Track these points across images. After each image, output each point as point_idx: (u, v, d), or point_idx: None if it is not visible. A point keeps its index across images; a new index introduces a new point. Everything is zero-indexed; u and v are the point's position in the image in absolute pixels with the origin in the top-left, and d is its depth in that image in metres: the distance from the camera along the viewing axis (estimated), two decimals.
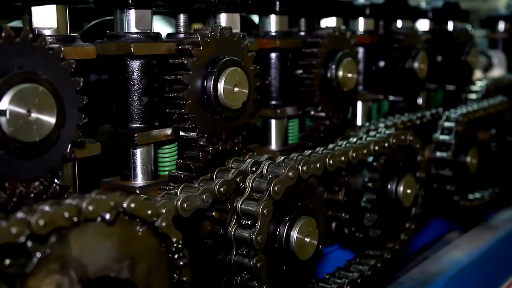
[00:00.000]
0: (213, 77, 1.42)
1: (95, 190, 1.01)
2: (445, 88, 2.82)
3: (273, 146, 1.91)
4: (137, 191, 1.45)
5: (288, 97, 1.90)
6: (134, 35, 1.42)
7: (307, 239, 1.40)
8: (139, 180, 1.49)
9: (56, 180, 1.19)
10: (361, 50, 2.25)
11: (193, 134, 1.46)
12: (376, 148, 1.66)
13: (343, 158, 1.54)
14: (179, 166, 1.46)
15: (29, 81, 1.04)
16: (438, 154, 2.15)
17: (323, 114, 1.91)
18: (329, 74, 1.88)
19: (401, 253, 1.97)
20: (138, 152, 1.48)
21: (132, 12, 1.43)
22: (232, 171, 1.39)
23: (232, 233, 1.32)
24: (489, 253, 2.22)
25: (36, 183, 1.12)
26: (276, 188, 1.32)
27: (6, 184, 1.08)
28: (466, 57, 2.74)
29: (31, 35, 1.06)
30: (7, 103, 1.00)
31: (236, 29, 1.64)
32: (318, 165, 1.44)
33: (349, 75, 1.91)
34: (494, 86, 2.74)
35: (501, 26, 3.67)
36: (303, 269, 1.46)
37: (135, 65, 1.44)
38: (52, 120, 1.08)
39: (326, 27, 1.96)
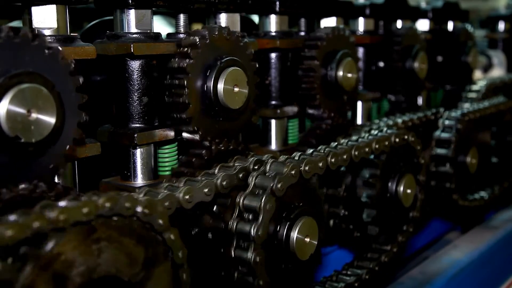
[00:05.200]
0: (213, 77, 1.42)
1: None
2: (445, 88, 2.82)
3: (273, 146, 1.91)
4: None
5: (288, 97, 1.90)
6: (134, 35, 1.42)
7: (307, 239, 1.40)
8: (139, 180, 1.49)
9: (57, 180, 1.20)
10: (361, 50, 2.25)
11: (193, 134, 1.46)
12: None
13: None
14: (178, 167, 1.46)
15: (29, 81, 1.04)
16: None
17: (323, 114, 1.91)
18: (329, 74, 1.88)
19: None
20: (138, 152, 1.48)
21: (132, 12, 1.43)
22: None
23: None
24: (489, 253, 2.22)
25: (38, 183, 1.12)
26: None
27: (9, 184, 1.08)
28: (466, 57, 2.74)
29: (30, 35, 1.06)
30: (7, 102, 1.01)
31: (236, 29, 1.64)
32: None
33: (349, 75, 1.91)
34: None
35: (501, 26, 3.67)
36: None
37: (135, 65, 1.44)
38: (52, 120, 1.08)
39: (326, 27, 1.97)
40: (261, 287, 1.29)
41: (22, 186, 1.10)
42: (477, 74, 3.37)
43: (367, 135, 1.69)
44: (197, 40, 1.41)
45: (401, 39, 2.27)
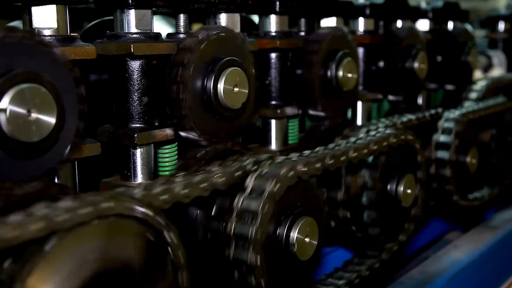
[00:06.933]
0: (213, 77, 1.43)
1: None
2: (445, 88, 2.82)
3: (273, 146, 1.91)
4: None
5: (288, 97, 1.90)
6: (134, 35, 1.42)
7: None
8: (139, 180, 1.49)
9: (56, 181, 1.20)
10: (361, 50, 2.25)
11: (193, 134, 1.46)
12: None
13: None
14: (178, 167, 1.46)
15: (29, 81, 1.04)
16: None
17: (323, 114, 1.91)
18: (329, 74, 1.88)
19: None
20: (138, 152, 1.48)
21: (132, 12, 1.43)
22: None
23: None
24: (489, 253, 2.22)
25: (36, 183, 1.12)
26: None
27: (6, 184, 1.08)
28: (466, 57, 2.74)
29: (30, 35, 1.06)
30: (7, 102, 1.01)
31: (236, 29, 1.64)
32: None
33: (349, 75, 1.91)
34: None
35: (501, 26, 3.67)
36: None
37: (135, 65, 1.44)
38: (52, 120, 1.08)
39: (326, 27, 1.96)
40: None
41: (21, 186, 1.10)
42: (477, 74, 3.37)
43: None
44: (197, 39, 1.41)
45: (401, 39, 2.27)
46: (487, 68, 3.57)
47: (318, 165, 1.43)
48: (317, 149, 1.52)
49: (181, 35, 1.53)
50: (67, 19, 1.33)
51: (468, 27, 2.84)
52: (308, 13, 2.00)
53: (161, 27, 2.13)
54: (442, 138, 2.19)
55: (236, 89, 1.47)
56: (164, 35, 1.52)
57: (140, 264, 1.03)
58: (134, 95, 1.45)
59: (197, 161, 1.45)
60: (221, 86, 1.44)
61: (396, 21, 2.50)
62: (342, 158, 1.53)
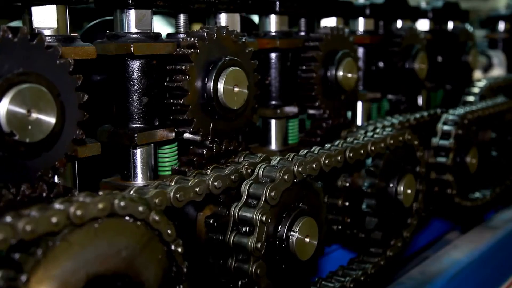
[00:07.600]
0: (213, 78, 1.43)
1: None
2: (445, 88, 2.82)
3: (273, 146, 1.91)
4: None
5: (288, 97, 1.90)
6: (134, 35, 1.42)
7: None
8: (139, 180, 1.49)
9: (57, 180, 1.20)
10: (361, 50, 2.25)
11: (193, 134, 1.46)
12: None
13: None
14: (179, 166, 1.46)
15: (29, 81, 1.04)
16: None
17: (323, 114, 1.91)
18: (329, 74, 1.88)
19: None
20: (138, 152, 1.48)
21: (132, 12, 1.43)
22: None
23: None
24: (489, 253, 2.22)
25: (39, 183, 1.12)
26: None
27: (9, 184, 1.08)
28: (466, 57, 2.74)
29: (29, 35, 1.06)
30: (7, 102, 1.01)
31: (236, 29, 1.64)
32: None
33: (349, 75, 1.91)
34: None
35: (501, 26, 3.67)
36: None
37: (135, 65, 1.44)
38: (52, 119, 1.08)
39: (326, 27, 1.97)
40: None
41: (24, 186, 1.10)
42: (477, 74, 3.37)
43: None
44: (197, 40, 1.41)
45: (401, 39, 2.27)
46: (487, 68, 3.57)
47: None
48: None
49: (181, 35, 1.53)
50: (67, 19, 1.33)
51: (468, 27, 2.84)
52: (308, 13, 2.00)
53: (161, 27, 2.13)
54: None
55: (236, 89, 1.47)
56: (164, 35, 1.52)
57: None
58: (134, 95, 1.45)
59: (197, 161, 1.45)
60: (221, 86, 1.44)
61: (396, 21, 2.50)
62: None
